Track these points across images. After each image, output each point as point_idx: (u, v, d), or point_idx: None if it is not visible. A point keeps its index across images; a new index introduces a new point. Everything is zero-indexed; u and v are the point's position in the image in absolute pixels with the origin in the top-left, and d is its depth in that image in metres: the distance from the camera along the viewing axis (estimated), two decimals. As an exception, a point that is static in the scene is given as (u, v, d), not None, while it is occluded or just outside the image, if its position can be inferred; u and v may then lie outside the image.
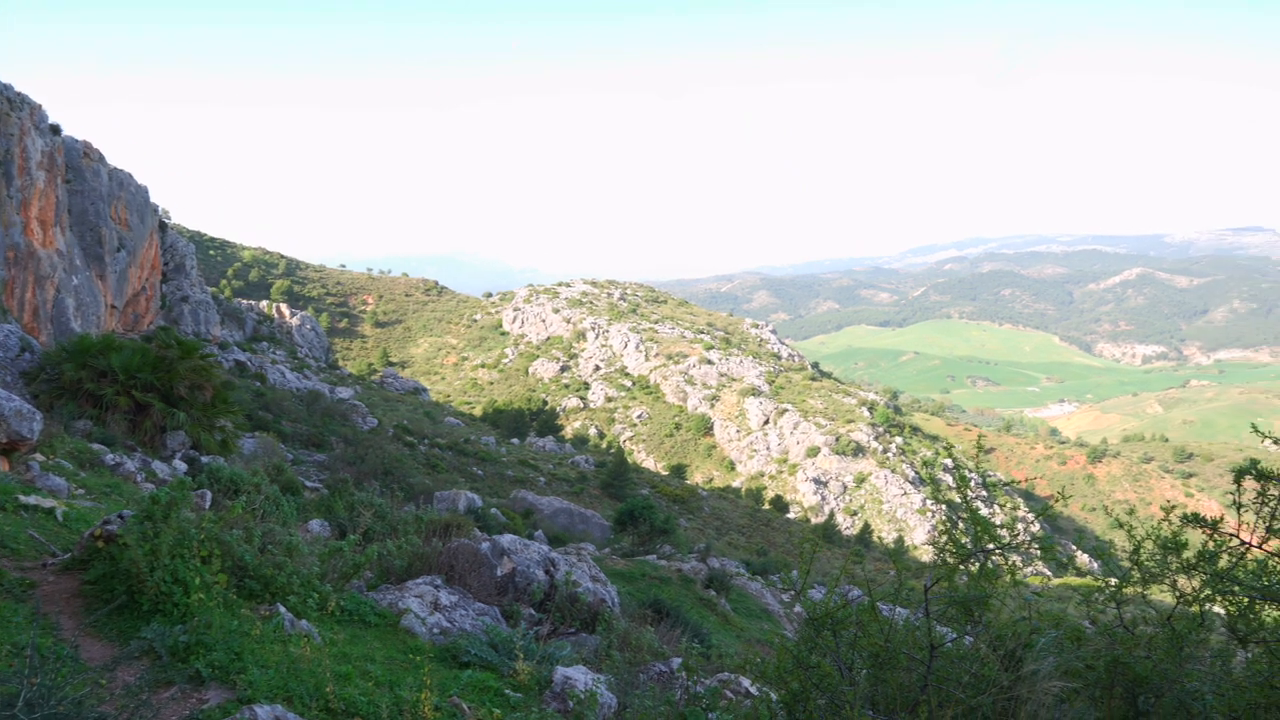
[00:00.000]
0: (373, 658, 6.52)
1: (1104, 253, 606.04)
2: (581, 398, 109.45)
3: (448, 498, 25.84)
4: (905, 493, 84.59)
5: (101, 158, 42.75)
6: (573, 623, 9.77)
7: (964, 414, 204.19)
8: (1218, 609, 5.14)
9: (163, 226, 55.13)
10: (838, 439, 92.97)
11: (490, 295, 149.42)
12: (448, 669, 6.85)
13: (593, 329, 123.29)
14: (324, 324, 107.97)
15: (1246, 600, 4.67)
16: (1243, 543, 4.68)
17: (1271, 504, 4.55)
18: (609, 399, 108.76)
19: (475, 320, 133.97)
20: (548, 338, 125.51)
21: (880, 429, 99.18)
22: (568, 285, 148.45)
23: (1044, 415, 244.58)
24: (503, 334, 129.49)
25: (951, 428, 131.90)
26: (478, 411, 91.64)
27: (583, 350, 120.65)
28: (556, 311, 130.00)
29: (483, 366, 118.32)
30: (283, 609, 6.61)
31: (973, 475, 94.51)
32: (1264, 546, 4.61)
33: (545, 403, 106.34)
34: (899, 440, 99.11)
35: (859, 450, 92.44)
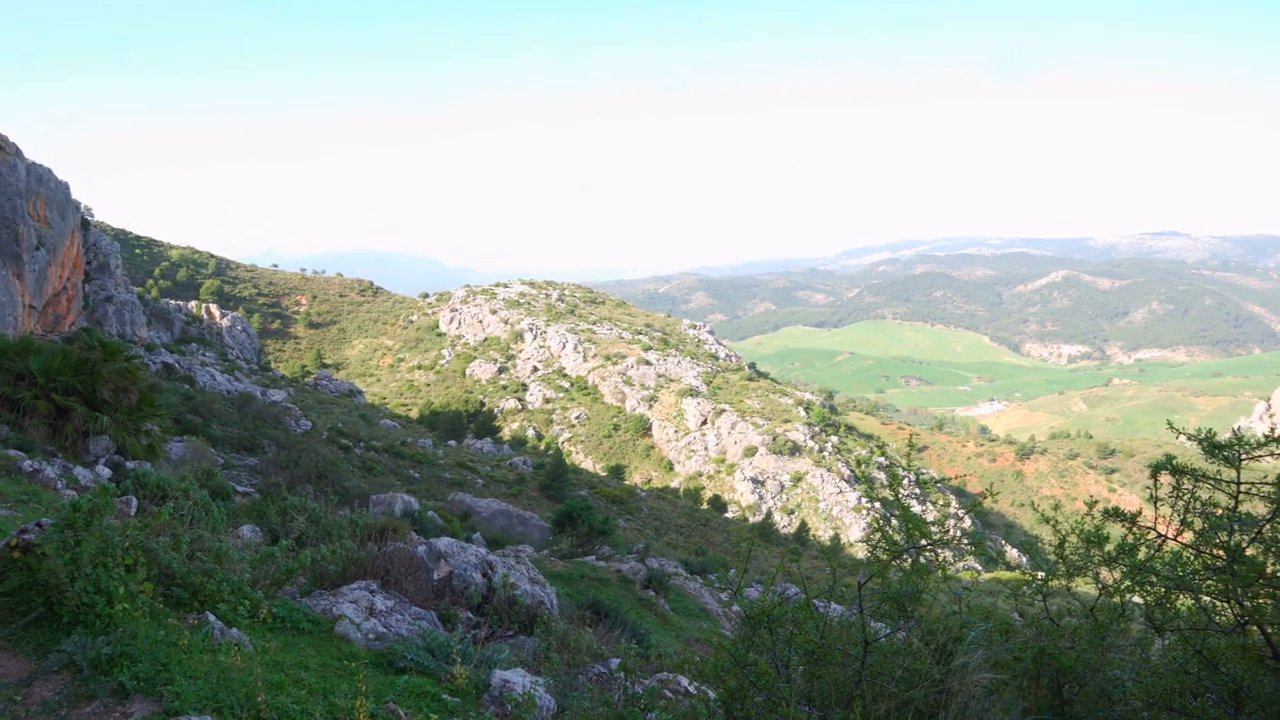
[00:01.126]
0: (306, 665, 6.40)
1: (1031, 255, 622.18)
2: (520, 399, 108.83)
3: (384, 501, 25.47)
4: (841, 491, 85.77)
5: (18, 151, 41.22)
6: (511, 625, 9.71)
7: (898, 413, 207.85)
8: (1137, 599, 5.31)
9: (85, 224, 53.39)
10: (775, 438, 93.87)
11: (427, 296, 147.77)
12: (383, 675, 6.75)
13: (530, 330, 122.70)
14: (256, 325, 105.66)
15: (1163, 590, 4.83)
16: (1159, 535, 4.84)
17: (1185, 498, 4.71)
18: (547, 400, 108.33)
19: (411, 321, 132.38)
20: (485, 339, 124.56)
21: (816, 428, 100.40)
22: (505, 286, 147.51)
23: (975, 414, 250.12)
24: (439, 335, 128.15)
25: (886, 426, 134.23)
26: (414, 413, 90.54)
27: (520, 351, 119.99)
28: (494, 312, 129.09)
29: (419, 368, 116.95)
30: (212, 617, 6.45)
31: (906, 473, 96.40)
32: (1179, 538, 4.77)
33: (483, 404, 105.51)
34: (835, 439, 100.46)
35: (796, 449, 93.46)
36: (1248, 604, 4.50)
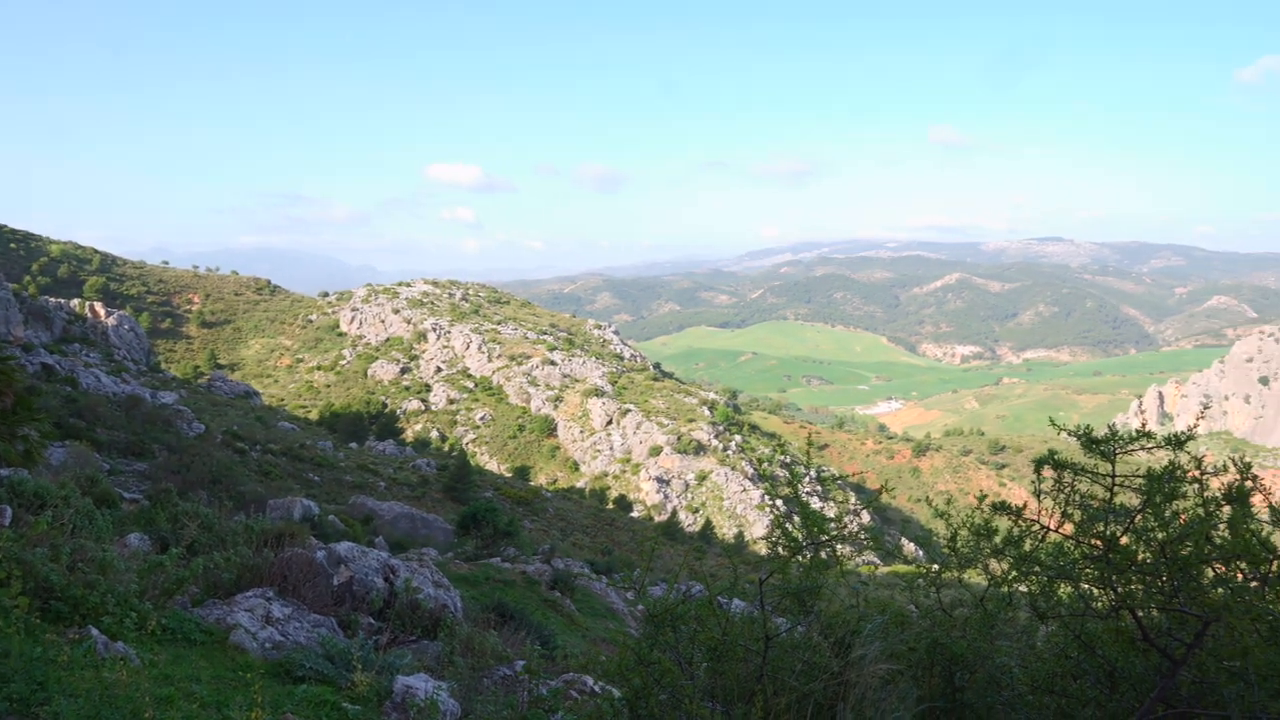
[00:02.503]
0: (198, 678, 6.18)
1: (927, 259, 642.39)
2: (423, 400, 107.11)
3: (282, 506, 24.74)
4: (745, 489, 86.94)
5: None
6: (414, 630, 9.57)
7: (800, 412, 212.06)
8: (1023, 588, 5.54)
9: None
10: (679, 438, 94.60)
11: (327, 295, 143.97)
12: (281, 685, 6.58)
13: (434, 330, 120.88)
14: (145, 324, 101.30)
15: (1046, 579, 5.05)
16: (1042, 527, 5.07)
17: (1066, 491, 4.95)
18: (451, 401, 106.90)
19: (311, 321, 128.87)
20: (387, 339, 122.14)
21: (720, 427, 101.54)
22: (408, 285, 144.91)
23: (873, 412, 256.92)
24: (340, 335, 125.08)
25: (788, 425, 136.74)
26: (314, 415, 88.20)
27: (424, 351, 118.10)
28: (396, 312, 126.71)
29: (319, 369, 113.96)
30: (95, 631, 6.17)
31: (807, 471, 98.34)
32: (1061, 530, 5.01)
33: (385, 405, 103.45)
34: (738, 438, 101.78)
35: (700, 449, 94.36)
36: (1121, 590, 4.75)
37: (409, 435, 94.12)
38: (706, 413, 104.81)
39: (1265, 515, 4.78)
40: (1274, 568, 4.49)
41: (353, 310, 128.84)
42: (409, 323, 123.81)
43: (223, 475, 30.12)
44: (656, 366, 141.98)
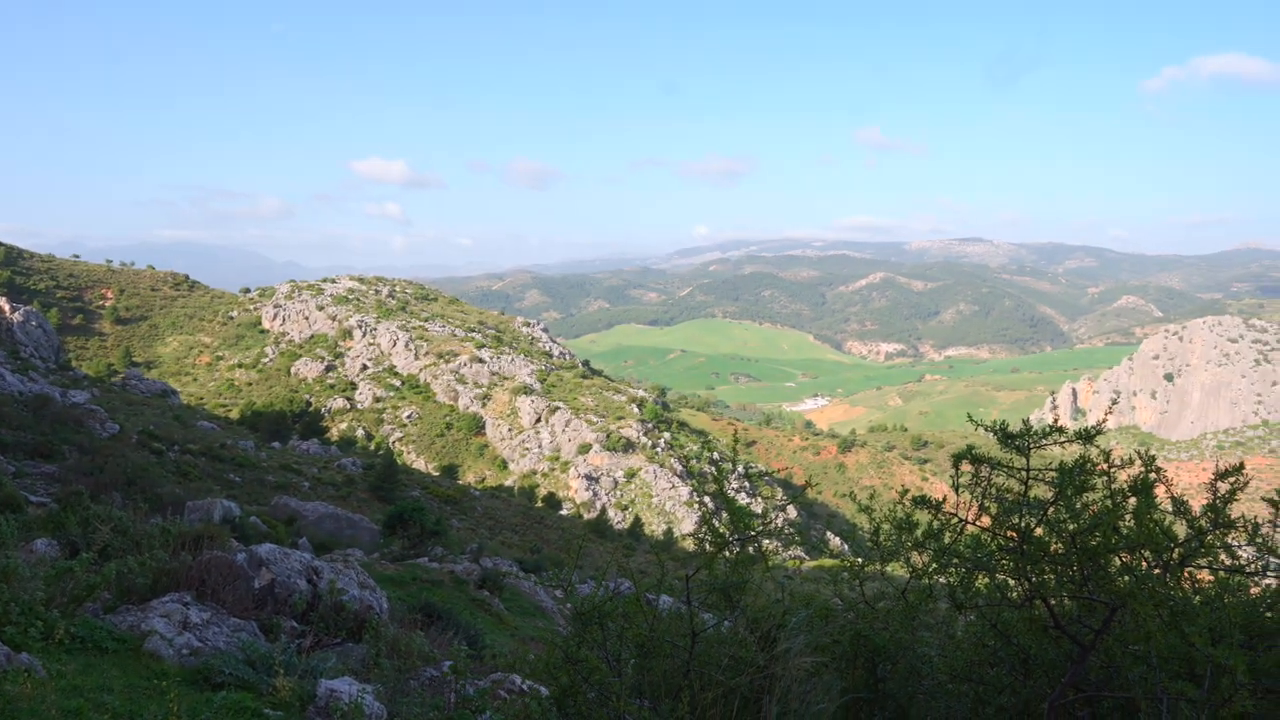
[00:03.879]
0: (110, 688, 5.97)
1: (853, 258, 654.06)
2: (348, 398, 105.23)
3: (201, 508, 24.06)
4: (674, 486, 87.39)
5: None
6: (339, 632, 9.40)
7: (728, 409, 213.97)
8: (944, 580, 5.69)
9: None
10: (609, 435, 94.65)
11: (248, 291, 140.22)
12: (199, 692, 6.40)
13: (360, 327, 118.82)
14: (54, 320, 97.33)
15: (965, 571, 5.20)
16: (961, 520, 5.22)
17: (983, 485, 5.10)
18: (377, 399, 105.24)
19: (232, 317, 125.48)
20: (311, 336, 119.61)
21: (649, 425, 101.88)
22: (333, 281, 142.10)
23: (800, 409, 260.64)
24: (262, 332, 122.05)
25: (716, 422, 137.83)
26: (235, 414, 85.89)
27: (349, 349, 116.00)
28: (321, 309, 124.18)
29: (240, 366, 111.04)
30: (-1, 640, 5.93)
31: (736, 467, 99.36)
32: (978, 522, 5.16)
33: (309, 404, 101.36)
34: (667, 435, 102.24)
35: (629, 446, 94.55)
36: (1035, 580, 4.92)
37: (334, 434, 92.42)
38: (635, 410, 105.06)
39: (1168, 505, 4.99)
40: (1175, 555, 4.69)
41: (276, 307, 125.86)
42: (334, 320, 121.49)
43: (138, 477, 29.20)
44: (585, 364, 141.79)
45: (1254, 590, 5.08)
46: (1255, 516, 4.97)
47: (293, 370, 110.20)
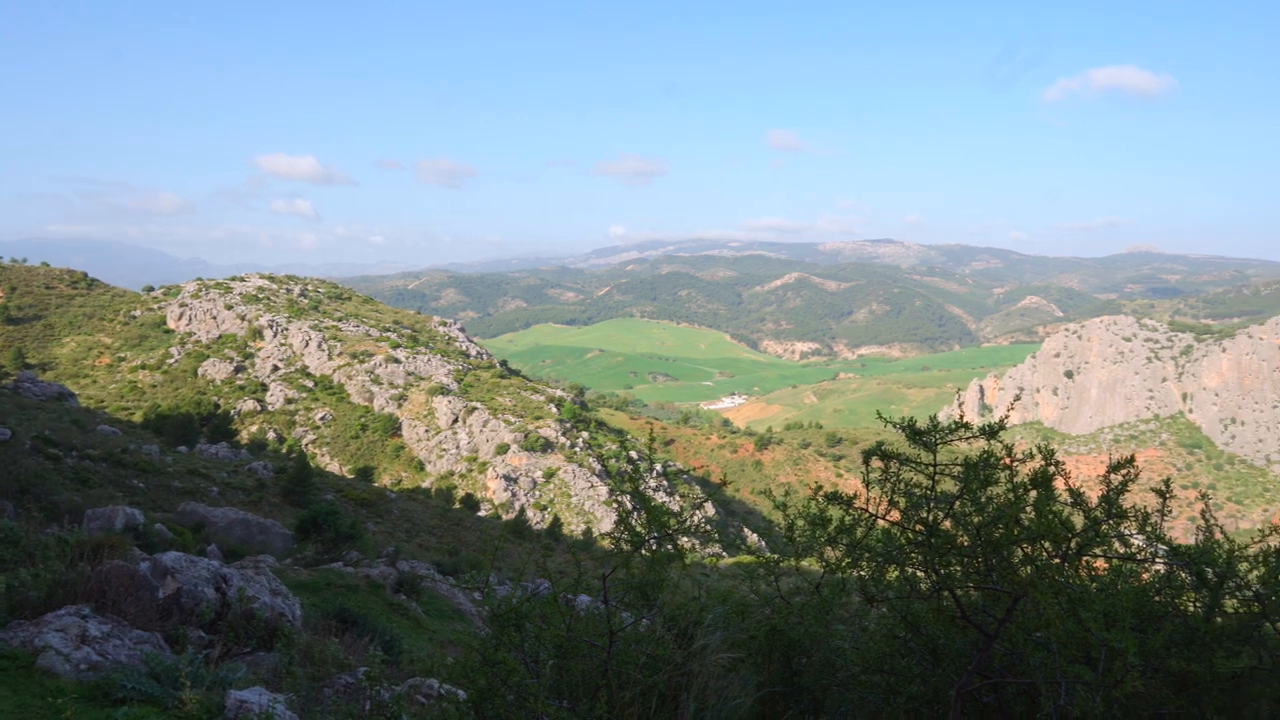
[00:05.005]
0: (0, 709, 5.72)
1: (768, 258, 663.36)
2: (259, 400, 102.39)
3: (101, 516, 23.14)
4: (593, 485, 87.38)
5: None
6: (249, 642, 9.15)
7: (646, 408, 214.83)
8: (857, 574, 5.82)
9: None
10: (527, 435, 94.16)
11: (152, 290, 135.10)
12: (99, 709, 6.17)
13: (270, 327, 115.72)
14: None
15: (876, 565, 5.33)
16: (871, 515, 5.35)
17: (893, 480, 5.25)
18: (289, 400, 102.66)
19: (134, 317, 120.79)
20: (220, 336, 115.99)
21: (568, 424, 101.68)
22: (242, 280, 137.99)
23: (718, 407, 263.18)
24: (167, 332, 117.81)
25: (635, 421, 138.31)
26: (138, 418, 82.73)
27: (260, 349, 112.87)
28: (230, 308, 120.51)
29: (144, 368, 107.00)
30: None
31: (654, 466, 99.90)
32: (888, 517, 5.30)
33: (218, 406, 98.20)
34: (586, 435, 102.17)
35: (548, 446, 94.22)
36: (942, 572, 5.07)
37: (244, 437, 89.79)
38: (554, 410, 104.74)
39: (1067, 498, 5.21)
40: (1073, 545, 4.89)
41: (181, 306, 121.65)
42: (243, 319, 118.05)
43: (32, 484, 27.96)
44: (503, 364, 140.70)
45: (1145, 576, 5.33)
46: (1145, 506, 5.22)
47: (200, 371, 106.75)
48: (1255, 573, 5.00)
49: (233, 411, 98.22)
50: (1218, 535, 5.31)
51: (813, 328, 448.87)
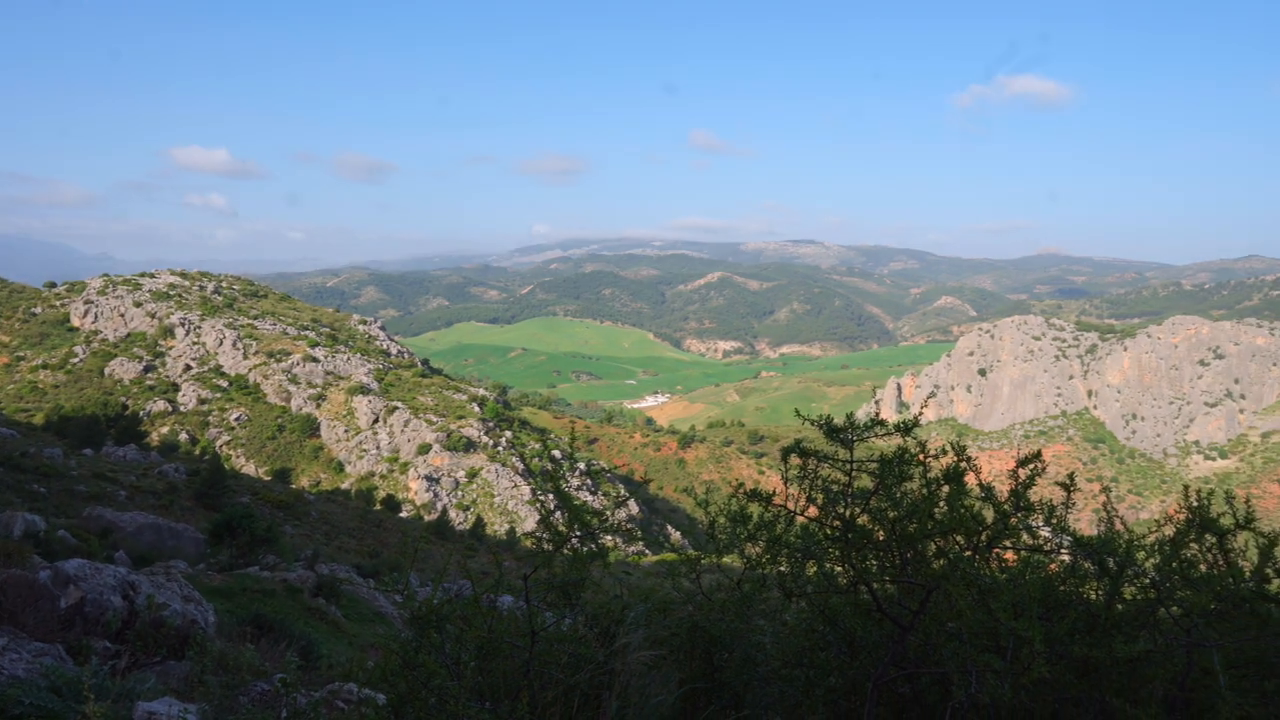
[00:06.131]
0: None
1: (691, 257, 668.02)
2: (170, 400, 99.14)
3: (-3, 522, 22.14)
4: (516, 485, 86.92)
5: None
6: (159, 651, 8.87)
7: (569, 407, 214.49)
8: (776, 569, 5.91)
9: None
10: (449, 435, 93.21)
11: (54, 286, 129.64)
12: (-6, 724, 5.90)
13: (183, 324, 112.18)
14: None
15: (796, 560, 5.42)
16: (790, 512, 5.44)
17: (810, 477, 5.34)
18: (203, 401, 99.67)
19: (35, 314, 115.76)
20: (128, 334, 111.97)
21: (491, 424, 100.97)
22: (152, 276, 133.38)
23: (641, 406, 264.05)
24: (71, 330, 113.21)
25: (558, 420, 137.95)
26: (39, 419, 79.37)
27: (171, 348, 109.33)
28: (139, 305, 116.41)
29: (45, 368, 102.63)
30: None
31: (576, 464, 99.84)
32: (807, 513, 5.40)
33: (126, 407, 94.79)
34: (509, 434, 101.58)
35: (470, 445, 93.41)
36: (859, 566, 5.19)
37: (155, 439, 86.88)
38: (476, 409, 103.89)
39: (978, 492, 5.38)
40: (984, 538, 5.05)
41: (87, 303, 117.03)
42: (154, 317, 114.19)
43: (-77, 490, 26.63)
44: (425, 363, 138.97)
45: (1052, 567, 5.53)
46: (1052, 499, 5.42)
47: (107, 371, 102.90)
48: (1152, 561, 5.24)
49: (142, 412, 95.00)
50: (1118, 526, 5.55)
51: (735, 327, 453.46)
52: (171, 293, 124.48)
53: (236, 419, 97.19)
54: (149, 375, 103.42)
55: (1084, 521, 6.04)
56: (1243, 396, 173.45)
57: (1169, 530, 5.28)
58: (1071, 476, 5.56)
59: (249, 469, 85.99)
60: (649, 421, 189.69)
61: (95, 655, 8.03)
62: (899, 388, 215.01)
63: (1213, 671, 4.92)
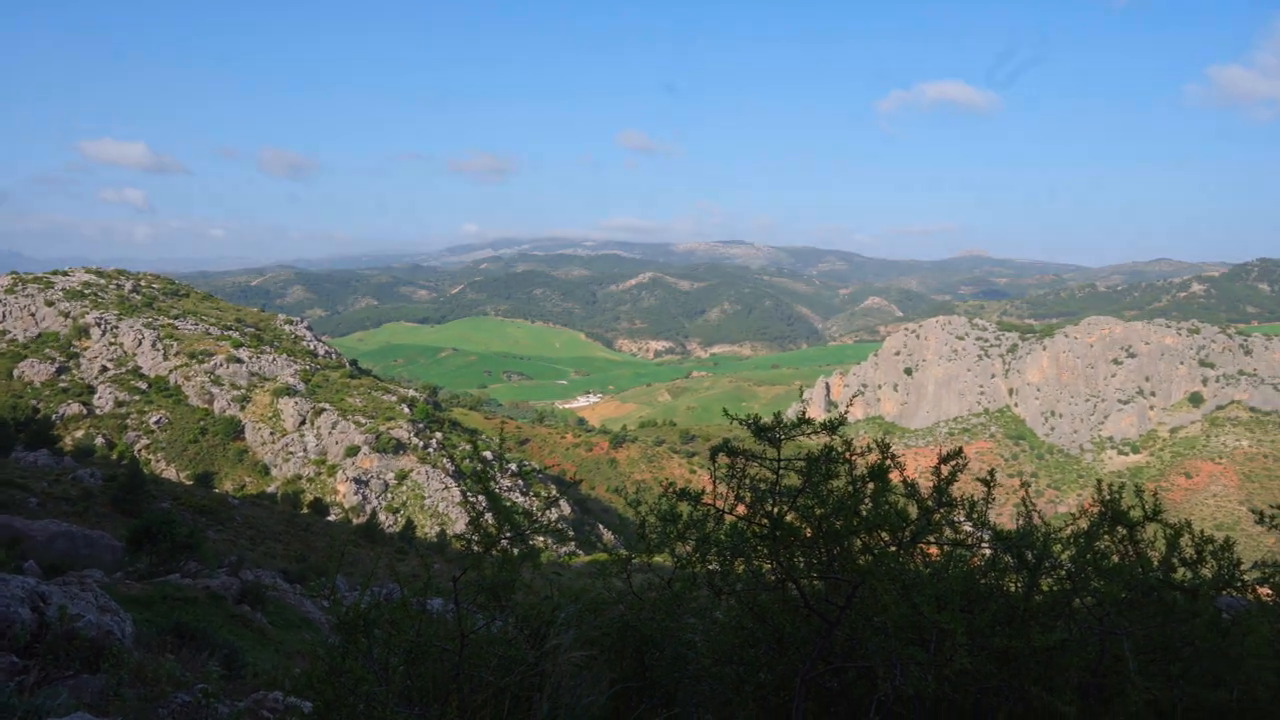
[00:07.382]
0: None
1: (623, 258, 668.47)
2: (85, 403, 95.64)
3: (-103, 532, 21.15)
4: (447, 487, 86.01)
5: None
6: (71, 664, 8.56)
7: (501, 407, 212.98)
8: (706, 568, 5.95)
9: None
10: (378, 437, 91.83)
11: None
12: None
13: (98, 324, 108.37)
14: None
15: (725, 558, 5.48)
16: (719, 510, 5.49)
17: (739, 475, 5.40)
18: (120, 403, 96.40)
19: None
20: (39, 335, 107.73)
21: (421, 425, 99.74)
22: (66, 274, 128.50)
23: (573, 406, 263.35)
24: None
25: (489, 421, 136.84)
26: (-59, 425, 76.02)
27: (86, 349, 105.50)
28: (51, 304, 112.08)
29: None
30: None
31: (507, 465, 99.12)
32: (736, 511, 5.45)
33: (36, 410, 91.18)
34: (439, 435, 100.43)
35: (400, 447, 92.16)
36: (786, 563, 5.26)
37: (68, 443, 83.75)
38: (406, 410, 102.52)
39: (902, 489, 5.50)
40: (908, 534, 5.17)
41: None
42: (67, 316, 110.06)
43: None
44: (353, 363, 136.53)
45: (974, 561, 5.68)
46: (974, 495, 5.57)
47: (16, 373, 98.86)
48: (1068, 553, 5.42)
49: (55, 416, 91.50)
50: (1037, 520, 5.73)
51: (667, 327, 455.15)
52: (86, 291, 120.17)
53: (156, 422, 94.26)
54: (62, 377, 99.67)
55: (1005, 516, 6.22)
56: (1153, 394, 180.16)
57: (1084, 523, 5.47)
58: (992, 473, 5.72)
59: (170, 473, 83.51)
60: (581, 422, 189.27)
61: (1, 671, 7.72)
62: (827, 387, 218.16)
63: (1123, 658, 5.11)
